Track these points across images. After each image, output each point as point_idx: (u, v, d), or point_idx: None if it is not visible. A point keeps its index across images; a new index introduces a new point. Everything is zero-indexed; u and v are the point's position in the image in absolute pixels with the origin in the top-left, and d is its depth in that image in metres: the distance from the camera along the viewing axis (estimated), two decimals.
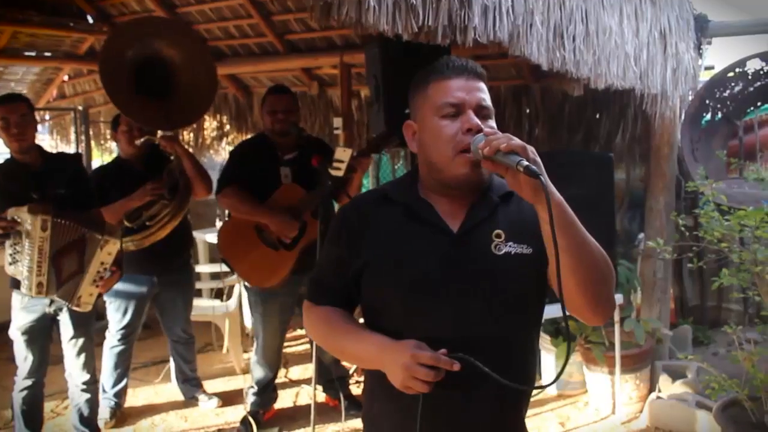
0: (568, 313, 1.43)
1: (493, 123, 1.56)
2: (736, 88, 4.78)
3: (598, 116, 5.51)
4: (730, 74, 4.73)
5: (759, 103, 4.84)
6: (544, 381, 4.52)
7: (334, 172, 3.37)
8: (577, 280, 1.43)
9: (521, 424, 1.68)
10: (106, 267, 3.27)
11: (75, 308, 3.28)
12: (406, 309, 1.56)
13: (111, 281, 3.37)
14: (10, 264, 3.20)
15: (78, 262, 3.24)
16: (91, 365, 3.63)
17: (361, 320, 1.70)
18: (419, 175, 1.65)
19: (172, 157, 3.88)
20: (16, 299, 3.36)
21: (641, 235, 4.93)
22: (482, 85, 1.57)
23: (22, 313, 3.36)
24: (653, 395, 3.97)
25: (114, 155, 4.28)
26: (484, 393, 1.53)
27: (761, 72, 4.68)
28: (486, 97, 1.56)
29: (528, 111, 5.68)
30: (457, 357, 1.43)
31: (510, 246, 1.54)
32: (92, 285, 3.27)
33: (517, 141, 1.37)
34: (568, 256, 1.39)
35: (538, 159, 1.36)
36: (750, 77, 4.72)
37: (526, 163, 1.33)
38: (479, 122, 1.50)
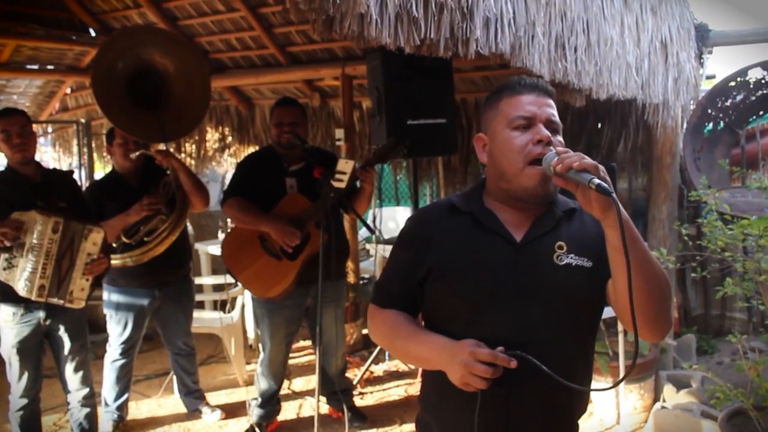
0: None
1: (560, 138, 1.64)
2: (738, 97, 4.78)
3: (600, 126, 5.52)
4: (732, 83, 4.73)
5: (761, 112, 4.85)
6: None
7: (336, 184, 3.37)
8: (639, 297, 1.44)
9: (574, 428, 1.73)
10: (93, 258, 3.28)
11: (68, 305, 3.26)
12: (468, 314, 1.62)
13: (99, 267, 3.33)
14: (4, 269, 3.17)
15: (70, 259, 3.25)
16: (89, 378, 3.63)
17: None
18: (486, 187, 1.73)
19: (168, 171, 3.86)
20: (7, 314, 3.28)
21: None
22: (551, 102, 1.66)
23: (15, 328, 3.29)
24: (658, 405, 3.95)
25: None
26: (539, 394, 1.59)
27: (762, 81, 4.68)
28: (555, 113, 1.65)
29: None
30: (515, 354, 1.48)
31: (571, 258, 1.61)
32: (82, 278, 3.27)
33: (589, 160, 1.43)
34: (633, 273, 1.41)
35: (608, 178, 1.42)
36: (751, 86, 4.72)
37: (597, 181, 1.39)
38: (549, 134, 1.59)
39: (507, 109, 1.64)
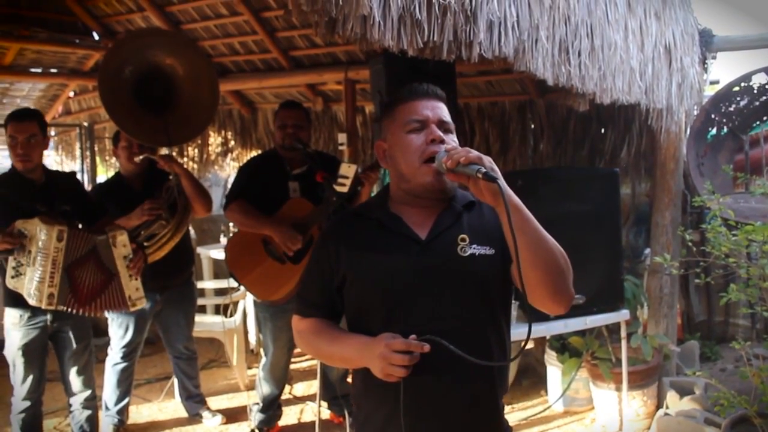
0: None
1: (453, 137, 1.77)
2: (742, 103, 4.76)
3: (603, 131, 5.51)
4: (736, 89, 4.72)
5: (765, 118, 4.82)
6: (550, 396, 4.49)
7: (338, 189, 3.36)
8: (537, 273, 1.59)
9: (498, 405, 1.81)
10: (130, 257, 3.31)
11: (133, 309, 3.34)
12: (384, 313, 1.71)
13: (139, 262, 3.38)
14: (13, 277, 3.16)
15: (102, 272, 3.25)
16: (92, 381, 3.63)
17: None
18: (390, 192, 1.85)
19: (170, 176, 3.84)
20: (14, 317, 3.30)
21: (647, 251, 4.90)
22: (442, 105, 1.78)
23: (22, 330, 3.30)
24: (661, 412, 3.93)
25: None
26: (458, 374, 1.67)
27: (766, 86, 4.67)
28: (446, 114, 1.77)
29: (533, 126, 5.68)
30: (426, 339, 1.56)
31: (474, 248, 1.71)
32: (131, 280, 3.30)
33: (474, 153, 1.56)
34: (528, 251, 1.56)
35: (495, 166, 1.55)
36: (755, 92, 4.71)
37: (484, 170, 1.52)
38: (442, 134, 1.71)
39: (402, 115, 1.75)
